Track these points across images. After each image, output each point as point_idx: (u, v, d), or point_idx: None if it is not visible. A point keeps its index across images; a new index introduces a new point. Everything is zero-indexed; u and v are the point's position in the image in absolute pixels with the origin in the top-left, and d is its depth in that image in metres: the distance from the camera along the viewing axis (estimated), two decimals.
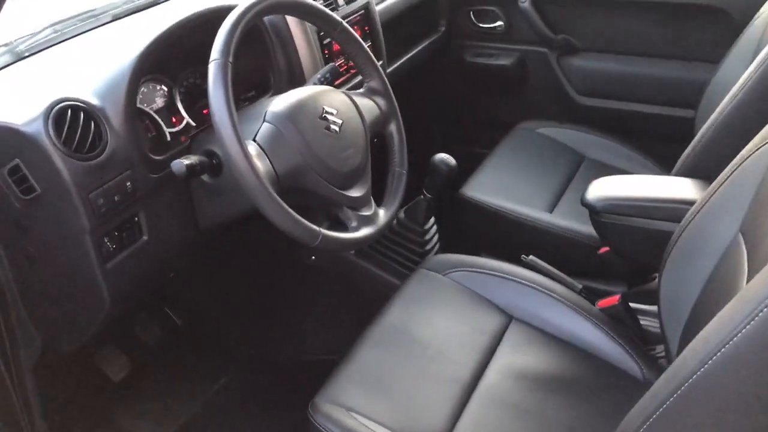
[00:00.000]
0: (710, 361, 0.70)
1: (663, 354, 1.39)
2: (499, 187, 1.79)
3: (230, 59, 1.03)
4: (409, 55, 1.98)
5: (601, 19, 2.02)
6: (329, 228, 1.11)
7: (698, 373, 0.71)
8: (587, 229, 1.63)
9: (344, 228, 1.19)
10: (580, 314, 1.36)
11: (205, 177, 1.17)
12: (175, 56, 1.27)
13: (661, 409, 0.76)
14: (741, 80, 1.32)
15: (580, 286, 1.48)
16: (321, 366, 1.26)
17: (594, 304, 1.41)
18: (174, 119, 1.31)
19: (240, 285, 1.86)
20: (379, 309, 1.38)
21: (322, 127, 1.15)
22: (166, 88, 1.30)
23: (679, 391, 0.73)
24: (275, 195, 1.03)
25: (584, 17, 2.05)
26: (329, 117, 1.16)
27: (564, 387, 1.26)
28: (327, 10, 1.23)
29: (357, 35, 1.28)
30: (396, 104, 1.34)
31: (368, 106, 1.29)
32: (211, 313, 1.88)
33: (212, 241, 1.43)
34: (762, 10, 1.64)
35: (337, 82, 1.50)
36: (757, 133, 1.27)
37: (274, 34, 1.40)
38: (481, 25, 2.20)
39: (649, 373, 1.28)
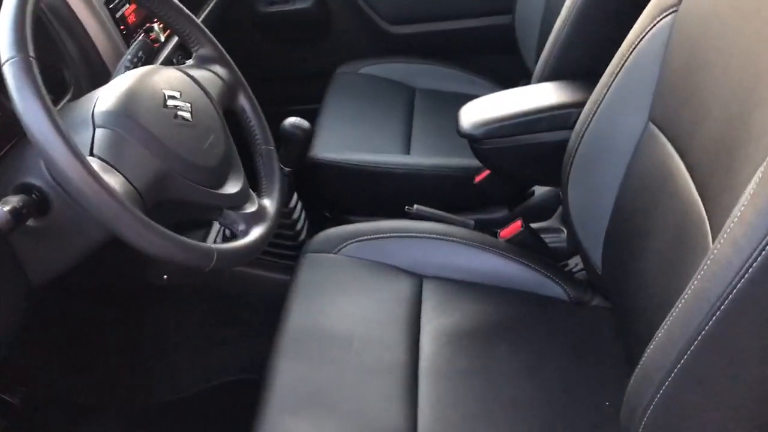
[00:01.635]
0: (707, 326, 0.65)
1: (577, 268, 1.34)
2: (347, 140, 1.63)
3: (31, 53, 0.75)
4: (201, 17, 1.71)
5: None
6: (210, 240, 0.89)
7: (696, 341, 0.66)
8: (455, 161, 1.53)
9: (230, 234, 0.96)
10: (487, 251, 1.26)
11: (30, 221, 0.87)
12: None
13: (661, 390, 0.70)
14: None
15: (473, 223, 1.38)
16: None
17: (496, 237, 1.32)
18: None
19: (84, 333, 1.52)
20: (273, 314, 1.17)
21: (170, 117, 0.90)
22: None
23: (680, 364, 0.68)
24: (145, 218, 0.78)
25: None
26: (175, 102, 0.91)
27: (502, 333, 1.16)
28: None
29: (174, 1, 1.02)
30: (238, 70, 1.10)
31: (207, 78, 1.04)
32: (56, 379, 1.53)
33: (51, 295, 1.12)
34: None
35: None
36: (626, 15, 1.22)
37: (55, 19, 1.08)
38: None
39: (573, 291, 1.23)
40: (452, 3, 1.95)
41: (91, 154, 0.81)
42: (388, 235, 1.28)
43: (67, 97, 1.08)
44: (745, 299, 0.63)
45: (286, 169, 1.38)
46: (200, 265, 0.84)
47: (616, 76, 1.05)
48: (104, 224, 0.76)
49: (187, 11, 1.05)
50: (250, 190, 1.01)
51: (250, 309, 1.47)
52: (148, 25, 1.27)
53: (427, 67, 1.88)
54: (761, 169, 0.66)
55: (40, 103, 0.73)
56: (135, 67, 1.07)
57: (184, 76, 0.98)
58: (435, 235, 1.28)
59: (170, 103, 0.90)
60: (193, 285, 1.46)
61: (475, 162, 1.43)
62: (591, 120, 1.10)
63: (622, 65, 1.04)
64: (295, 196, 1.45)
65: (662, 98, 0.98)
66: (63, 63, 1.10)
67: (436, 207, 1.51)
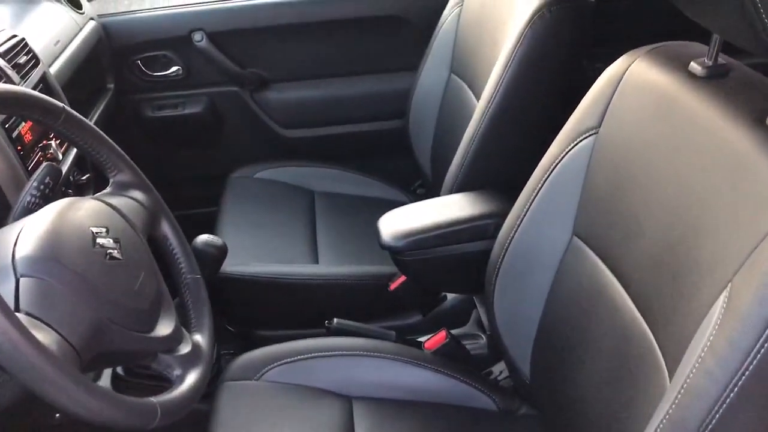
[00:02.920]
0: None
1: (502, 375, 1.35)
2: (251, 251, 1.56)
3: None
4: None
5: (288, 46, 1.90)
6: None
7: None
8: (368, 268, 1.52)
9: (162, 380, 0.87)
10: (415, 365, 1.25)
11: None
12: None
13: None
14: (488, 89, 1.32)
15: (394, 334, 1.36)
16: None
17: (420, 347, 1.30)
18: None
19: None
20: None
21: (101, 257, 0.81)
22: None
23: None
24: (82, 378, 0.69)
25: (271, 47, 1.90)
26: (103, 241, 0.83)
27: None
28: (42, 95, 0.88)
29: (86, 121, 0.95)
30: (158, 195, 1.03)
31: (128, 206, 0.97)
32: None
33: None
34: (446, 13, 1.70)
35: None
36: (540, 126, 1.29)
37: None
38: (154, 74, 1.90)
39: (502, 401, 1.23)
40: (343, 108, 1.98)
41: (17, 309, 0.71)
42: (312, 355, 1.23)
43: None
44: (726, 426, 0.65)
45: None
46: (145, 423, 0.75)
47: (539, 191, 1.09)
48: (34, 390, 0.66)
49: (103, 134, 0.97)
50: (182, 328, 0.93)
51: None
52: (45, 142, 1.17)
53: (323, 170, 1.88)
54: (723, 297, 0.70)
55: None
56: (42, 195, 0.97)
57: (107, 208, 0.90)
58: (361, 352, 1.24)
59: (99, 241, 0.82)
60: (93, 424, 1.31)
61: (387, 268, 1.43)
62: (515, 232, 1.13)
63: (545, 180, 1.08)
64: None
65: (587, 214, 1.03)
66: None
67: (351, 316, 1.48)
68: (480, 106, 1.34)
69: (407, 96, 1.80)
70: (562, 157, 1.06)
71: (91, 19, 1.72)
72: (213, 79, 1.91)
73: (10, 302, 0.72)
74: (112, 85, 1.80)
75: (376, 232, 1.30)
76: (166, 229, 1.02)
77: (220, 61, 1.86)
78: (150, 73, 1.90)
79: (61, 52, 1.48)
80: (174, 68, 1.90)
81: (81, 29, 1.63)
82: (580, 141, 1.04)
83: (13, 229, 0.81)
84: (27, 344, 0.64)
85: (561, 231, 1.07)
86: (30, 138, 1.14)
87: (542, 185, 1.08)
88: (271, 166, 1.86)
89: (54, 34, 1.49)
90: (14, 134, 1.09)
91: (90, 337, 0.74)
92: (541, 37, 1.26)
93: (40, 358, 0.65)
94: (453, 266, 1.30)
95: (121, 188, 0.99)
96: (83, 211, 0.85)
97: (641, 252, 0.89)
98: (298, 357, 1.22)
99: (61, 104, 0.91)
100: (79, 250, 0.79)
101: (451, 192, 1.39)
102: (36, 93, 0.87)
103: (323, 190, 1.84)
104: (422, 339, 1.35)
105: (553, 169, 1.07)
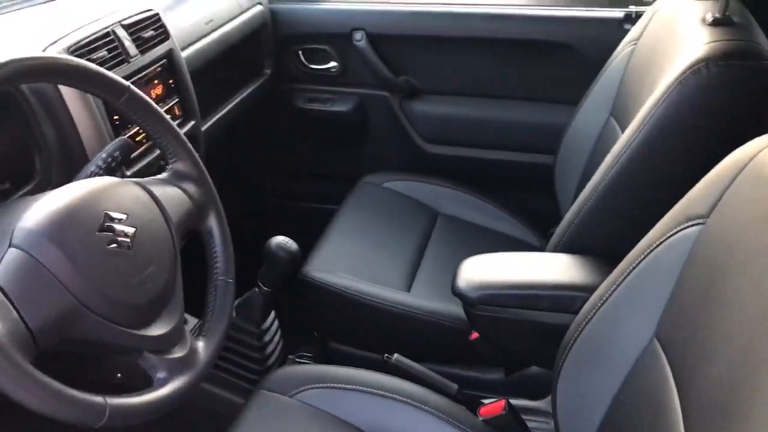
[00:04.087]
0: None
1: None
2: (347, 260, 1.51)
3: None
4: (230, 105, 1.66)
5: (447, 58, 1.82)
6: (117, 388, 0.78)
7: None
8: (455, 310, 1.39)
9: (144, 380, 0.84)
10: (457, 429, 1.11)
11: None
12: None
13: None
14: (621, 142, 1.14)
15: (456, 387, 1.23)
16: None
17: (475, 411, 1.17)
18: None
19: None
20: None
21: (103, 245, 0.80)
22: None
23: None
24: (24, 365, 0.67)
25: (429, 56, 1.83)
26: (115, 226, 0.82)
27: None
28: (103, 71, 0.88)
29: (152, 104, 0.95)
30: (214, 190, 1.01)
31: (175, 197, 0.95)
32: None
33: None
34: (618, 50, 1.50)
35: (134, 155, 1.15)
36: (654, 201, 1.09)
37: (38, 100, 1.02)
38: (312, 66, 1.92)
39: None
40: (491, 132, 1.85)
41: None
42: (353, 387, 1.15)
43: (28, 187, 1.01)
44: None
45: (266, 289, 1.27)
46: (87, 422, 0.72)
47: (628, 275, 0.91)
48: None
49: (169, 120, 0.97)
50: (185, 332, 0.89)
51: (192, 425, 1.34)
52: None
53: (455, 192, 1.77)
54: None
55: None
56: (107, 168, 0.99)
57: (143, 194, 0.89)
58: (406, 399, 1.14)
59: (109, 226, 0.81)
60: None
61: None
62: (593, 315, 0.96)
63: (637, 264, 0.90)
64: (272, 316, 1.34)
65: (673, 316, 0.84)
66: (35, 147, 1.03)
67: (426, 354, 1.38)
68: (606, 162, 1.16)
69: (561, 131, 1.64)
70: (661, 243, 0.87)
71: (259, 3, 1.77)
72: (366, 80, 1.88)
73: None
74: (269, 71, 1.85)
75: (454, 274, 1.19)
76: (212, 224, 1.00)
77: (375, 63, 1.82)
78: (308, 65, 1.92)
79: (212, 32, 1.53)
80: (331, 64, 1.90)
81: (243, 12, 1.68)
82: (684, 228, 0.84)
83: (40, 197, 0.82)
84: None
85: (642, 328, 0.89)
86: None
87: (633, 269, 0.91)
88: (403, 177, 1.80)
89: (208, 13, 1.54)
90: None
91: (55, 322, 0.73)
92: (690, 97, 1.04)
93: None
94: (526, 333, 1.14)
95: (176, 177, 0.98)
96: (110, 193, 0.85)
97: (708, 384, 0.70)
98: (338, 385, 1.15)
99: (126, 83, 0.91)
100: (81, 233, 0.78)
101: (555, 249, 1.23)
102: (100, 69, 0.88)
103: (449, 213, 1.74)
104: (487, 401, 1.21)
105: (648, 254, 0.89)
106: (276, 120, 2.01)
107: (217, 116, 1.59)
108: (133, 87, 0.92)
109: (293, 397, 1.14)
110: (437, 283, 1.50)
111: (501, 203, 1.75)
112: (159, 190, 0.93)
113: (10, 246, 0.74)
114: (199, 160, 1.00)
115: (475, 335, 1.33)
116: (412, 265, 1.55)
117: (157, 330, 0.84)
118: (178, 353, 0.86)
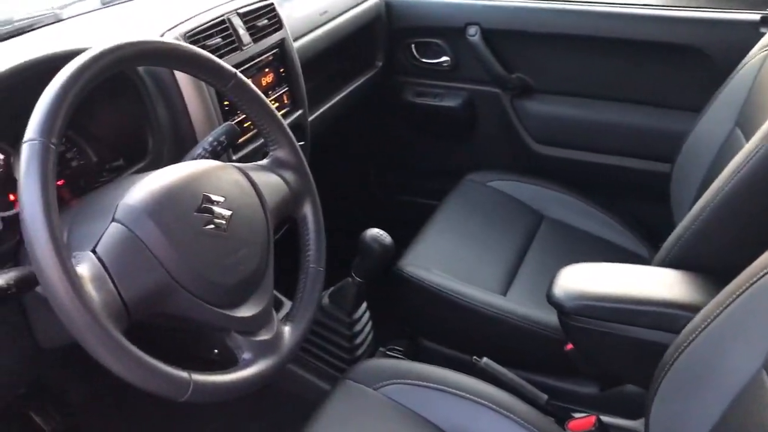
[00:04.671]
0: None
1: None
2: (444, 258, 1.49)
3: (53, 140, 0.71)
4: (339, 96, 1.68)
5: (563, 56, 1.75)
6: (206, 364, 0.80)
7: None
8: (551, 318, 1.34)
9: (231, 359, 0.86)
10: None
11: (39, 289, 0.83)
12: (14, 112, 0.93)
13: None
14: (744, 152, 1.06)
15: (546, 397, 1.19)
16: None
17: (563, 426, 1.12)
18: (12, 197, 0.97)
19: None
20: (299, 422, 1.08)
21: (200, 225, 0.83)
22: (1, 156, 0.97)
23: None
24: (116, 335, 0.70)
25: (544, 54, 1.77)
26: (213, 208, 0.84)
27: None
28: (212, 57, 0.91)
29: (257, 91, 0.97)
30: (311, 179, 1.03)
31: (273, 183, 0.97)
32: (91, 412, 1.52)
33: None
34: (751, 55, 1.40)
35: (240, 141, 1.19)
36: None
37: (153, 82, 1.07)
38: (423, 60, 1.91)
39: None
40: (607, 136, 1.76)
41: (93, 250, 0.76)
42: (440, 387, 1.13)
43: (140, 165, 1.06)
44: None
45: (358, 279, 1.28)
46: (171, 396, 0.75)
47: (737, 297, 0.84)
48: (77, 339, 0.70)
49: (272, 108, 0.98)
50: (273, 315, 0.91)
51: (278, 406, 1.37)
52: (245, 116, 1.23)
53: (562, 195, 1.71)
54: None
55: (41, 192, 0.69)
56: (213, 151, 1.02)
57: (242, 179, 0.92)
58: (492, 405, 1.11)
59: (207, 207, 0.84)
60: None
61: None
62: (696, 337, 0.89)
63: (748, 287, 0.83)
64: (364, 307, 1.34)
65: None
66: (149, 127, 1.08)
67: (517, 361, 1.34)
68: (725, 174, 1.08)
69: (680, 139, 1.54)
70: None
71: None
72: (477, 76, 1.84)
73: (93, 241, 0.76)
74: (380, 63, 1.85)
75: (551, 280, 1.15)
76: (307, 213, 1.01)
77: (488, 59, 1.78)
78: (420, 58, 1.90)
79: (326, 23, 1.55)
80: (443, 58, 1.88)
81: (358, 4, 1.69)
82: None
83: (146, 176, 0.86)
84: (73, 295, 0.68)
85: (749, 356, 0.82)
86: None
87: (743, 291, 0.84)
88: (508, 177, 1.75)
89: (323, 4, 1.56)
90: None
91: (148, 296, 0.76)
92: None
93: (81, 310, 0.68)
94: (621, 349, 1.08)
95: (275, 164, 1.00)
96: (211, 177, 0.88)
97: None
98: (425, 383, 1.14)
99: (233, 70, 0.94)
100: (179, 212, 0.81)
101: (662, 263, 1.16)
102: (209, 56, 0.91)
103: (555, 217, 1.68)
104: (577, 415, 1.17)
105: (762, 277, 0.81)
106: (383, 113, 2.01)
107: (325, 107, 1.62)
108: (239, 74, 0.95)
109: (378, 390, 1.14)
110: (536, 290, 1.45)
111: (610, 210, 1.67)
112: (258, 176, 0.95)
113: (112, 220, 0.78)
114: (299, 149, 1.02)
115: (570, 346, 1.28)
116: (511, 269, 1.51)
117: (245, 312, 0.86)
118: (264, 336, 0.88)
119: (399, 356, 1.50)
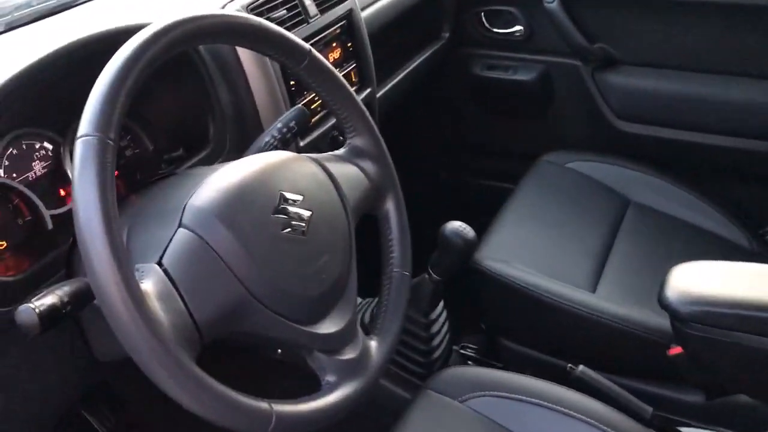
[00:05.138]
0: None
1: None
2: (524, 250, 1.36)
3: (111, 135, 0.60)
4: (404, 72, 1.54)
5: (651, 23, 1.58)
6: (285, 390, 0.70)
7: None
8: (648, 317, 1.21)
9: (311, 382, 0.75)
10: None
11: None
12: (63, 97, 0.83)
13: None
14: None
15: (651, 410, 1.06)
16: None
17: None
18: (63, 191, 0.87)
19: None
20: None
21: (277, 229, 0.71)
22: (50, 146, 0.87)
23: None
24: (188, 365, 0.60)
25: (630, 21, 1.60)
26: (290, 209, 0.73)
27: None
28: (285, 32, 0.79)
29: (334, 71, 0.84)
30: (394, 170, 0.90)
31: (352, 176, 0.85)
32: (146, 412, 1.44)
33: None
34: None
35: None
36: None
37: (214, 60, 0.95)
38: (495, 30, 1.75)
39: None
40: (703, 113, 1.59)
41: (159, 262, 0.65)
42: (533, 400, 1.01)
43: (201, 154, 0.95)
44: None
45: (436, 277, 1.16)
46: (252, 430, 0.65)
47: None
48: (144, 371, 0.60)
49: (351, 90, 0.86)
50: (359, 330, 0.79)
51: (356, 416, 1.26)
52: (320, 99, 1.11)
53: (651, 178, 1.55)
54: None
55: (98, 193, 0.58)
56: (282, 139, 0.91)
57: (319, 172, 0.80)
58: (593, 421, 0.99)
59: (284, 208, 0.72)
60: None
61: None
62: None
63: None
64: (440, 306, 1.22)
65: None
66: (210, 114, 0.96)
67: (611, 365, 1.21)
68: None
69: None
70: None
71: None
72: (554, 47, 1.68)
73: (158, 251, 0.65)
74: (447, 34, 1.71)
75: (662, 281, 1.01)
76: (389, 209, 0.89)
77: (568, 28, 1.62)
78: (491, 28, 1.75)
79: None
80: (516, 27, 1.72)
81: None
82: None
83: (210, 171, 0.75)
84: (138, 319, 0.57)
85: None
86: None
87: None
88: (589, 158, 1.60)
89: None
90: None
91: (223, 315, 0.65)
92: None
93: (147, 336, 0.57)
94: (744, 360, 0.94)
95: (354, 154, 0.88)
96: (286, 171, 0.76)
97: None
98: (514, 395, 1.02)
99: (307, 47, 0.81)
100: (254, 215, 0.70)
101: None
102: (282, 30, 0.79)
103: (642, 202, 1.53)
104: (688, 430, 1.04)
105: None
106: (451, 88, 1.87)
107: (390, 84, 1.49)
108: (314, 51, 0.82)
109: (463, 402, 1.03)
110: (627, 285, 1.31)
111: (705, 194, 1.51)
112: (336, 168, 0.83)
113: (179, 226, 0.67)
114: (380, 136, 0.89)
115: (675, 350, 1.14)
116: (598, 261, 1.37)
117: (328, 327, 0.75)
118: (349, 354, 0.77)
119: (474, 355, 1.38)
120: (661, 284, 1.01)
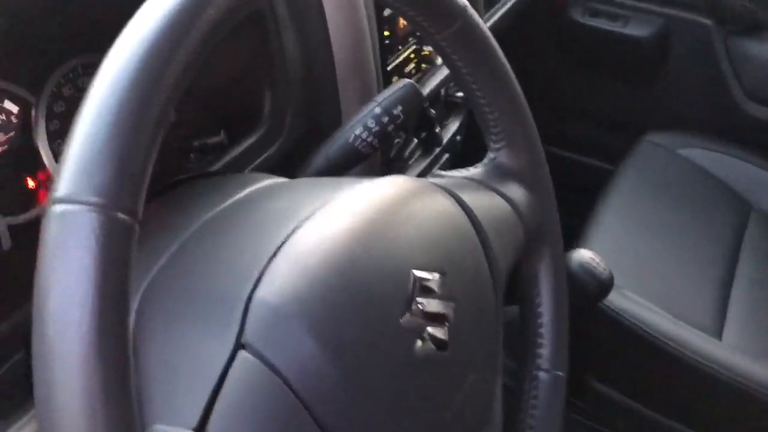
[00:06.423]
0: None
1: None
2: (632, 269, 1.06)
3: (133, 207, 0.27)
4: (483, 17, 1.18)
5: None
6: None
7: None
8: None
9: None
10: None
11: None
12: (38, 35, 0.52)
13: None
14: None
15: None
16: None
17: None
18: (32, 182, 0.56)
19: None
20: None
21: (409, 346, 0.39)
22: (14, 109, 0.54)
23: None
24: None
25: None
26: (426, 304, 0.40)
27: None
28: None
29: (496, 48, 0.51)
30: (555, 206, 0.58)
31: (499, 216, 0.53)
32: None
33: None
34: None
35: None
36: None
37: (289, 11, 0.60)
38: None
39: None
40: None
41: (200, 427, 0.33)
42: None
43: (250, 140, 0.61)
44: None
45: None
46: None
47: None
48: None
49: (515, 82, 0.53)
50: None
51: None
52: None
53: None
54: None
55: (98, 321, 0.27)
56: (381, 134, 0.58)
57: (459, 216, 0.47)
58: None
59: (419, 306, 0.40)
60: None
61: None
62: None
63: None
64: None
65: None
66: (267, 79, 0.62)
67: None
68: None
69: None
70: None
71: None
72: None
73: (197, 402, 0.34)
74: None
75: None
76: (541, 271, 0.57)
77: None
78: None
79: None
80: None
81: None
82: None
83: (287, 213, 0.42)
84: None
85: None
86: (406, 26, 0.74)
87: None
88: (706, 145, 1.32)
89: None
90: (385, 12, 0.70)
91: None
92: None
93: None
94: None
95: (500, 176, 0.55)
96: (419, 226, 0.43)
97: None
98: None
99: (462, 2, 0.48)
100: (375, 326, 0.38)
101: None
102: None
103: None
104: None
105: None
106: (539, 38, 1.50)
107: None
108: (471, 10, 0.48)
109: None
110: (759, 326, 1.03)
111: None
112: (476, 202, 0.50)
113: (238, 345, 0.35)
114: (541, 150, 0.56)
115: None
116: (721, 291, 1.08)
117: None
118: None
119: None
120: None
